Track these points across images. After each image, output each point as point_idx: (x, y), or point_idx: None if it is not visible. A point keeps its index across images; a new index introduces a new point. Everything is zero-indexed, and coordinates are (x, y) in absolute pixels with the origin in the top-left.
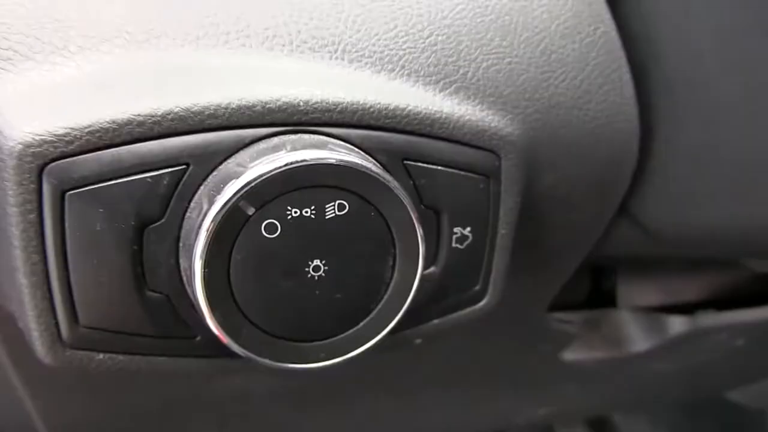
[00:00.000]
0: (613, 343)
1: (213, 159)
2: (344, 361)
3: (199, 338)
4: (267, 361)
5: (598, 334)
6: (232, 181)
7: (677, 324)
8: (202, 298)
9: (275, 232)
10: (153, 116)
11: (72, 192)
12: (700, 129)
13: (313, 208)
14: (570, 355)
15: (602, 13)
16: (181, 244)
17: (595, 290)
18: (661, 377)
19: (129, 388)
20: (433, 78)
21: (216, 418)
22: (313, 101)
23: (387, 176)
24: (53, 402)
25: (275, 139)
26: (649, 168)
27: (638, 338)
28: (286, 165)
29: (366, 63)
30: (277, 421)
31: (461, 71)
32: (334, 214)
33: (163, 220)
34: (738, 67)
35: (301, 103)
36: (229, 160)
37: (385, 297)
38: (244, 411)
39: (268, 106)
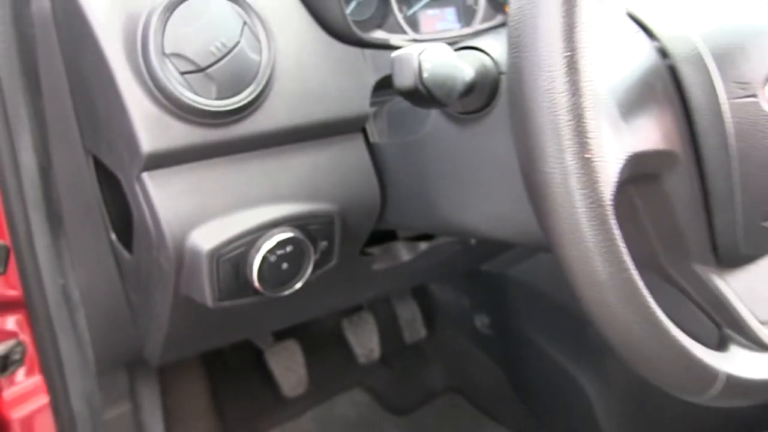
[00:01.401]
0: (395, 258)
1: None
2: None
3: None
4: None
5: (389, 254)
6: None
7: (423, 245)
8: None
9: None
10: None
11: None
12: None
13: None
14: (376, 266)
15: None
16: None
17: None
18: (425, 270)
19: None
20: None
21: None
22: None
23: None
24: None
25: None
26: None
27: (405, 254)
28: None
29: None
30: None
31: None
32: None
33: None
34: None
35: None
36: None
37: None
38: None
39: None
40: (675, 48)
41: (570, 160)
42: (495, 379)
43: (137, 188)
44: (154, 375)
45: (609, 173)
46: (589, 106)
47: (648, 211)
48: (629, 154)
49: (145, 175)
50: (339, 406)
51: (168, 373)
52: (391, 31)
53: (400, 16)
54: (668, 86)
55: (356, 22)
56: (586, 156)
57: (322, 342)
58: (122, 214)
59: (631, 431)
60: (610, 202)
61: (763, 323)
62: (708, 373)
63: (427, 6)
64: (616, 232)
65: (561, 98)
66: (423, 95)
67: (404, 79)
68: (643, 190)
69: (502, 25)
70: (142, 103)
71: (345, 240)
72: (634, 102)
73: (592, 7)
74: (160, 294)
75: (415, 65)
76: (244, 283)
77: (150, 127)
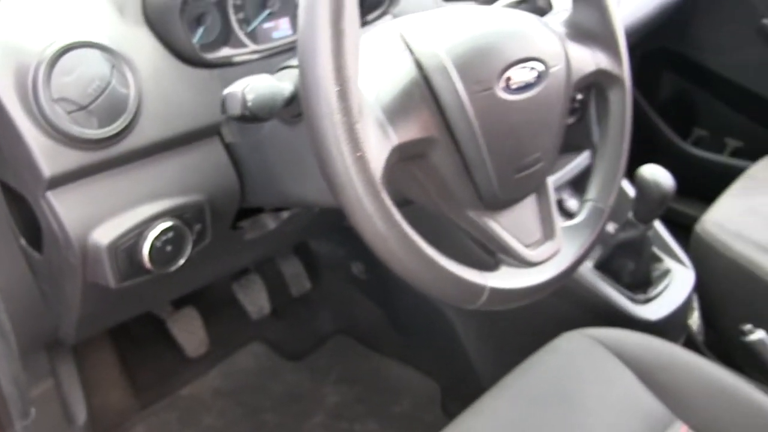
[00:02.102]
0: (264, 227)
1: None
2: None
3: None
4: None
5: (258, 225)
6: None
7: (284, 214)
8: None
9: None
10: None
11: None
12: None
13: None
14: (248, 236)
15: None
16: None
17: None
18: (293, 233)
19: None
20: None
21: None
22: None
23: None
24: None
25: None
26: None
27: (272, 223)
28: None
29: None
30: None
31: None
32: None
33: None
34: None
35: None
36: None
37: None
38: None
39: None
40: (426, 61)
41: (347, 158)
42: (375, 318)
43: (44, 204)
44: (70, 353)
45: (377, 163)
46: (357, 117)
47: (425, 178)
48: (394, 145)
49: (48, 194)
50: (240, 359)
51: (82, 350)
52: (236, 46)
53: (241, 34)
54: (424, 91)
55: (204, 45)
56: (358, 154)
57: (217, 305)
58: (29, 222)
59: (484, 339)
60: (380, 181)
61: (527, 246)
62: (476, 287)
63: (263, 21)
64: (387, 200)
65: (336, 114)
66: (249, 118)
67: (233, 110)
68: (419, 164)
69: None
70: (39, 138)
71: (215, 221)
72: (397, 107)
73: (356, 38)
74: (70, 284)
75: (240, 98)
76: (138, 265)
77: (48, 157)
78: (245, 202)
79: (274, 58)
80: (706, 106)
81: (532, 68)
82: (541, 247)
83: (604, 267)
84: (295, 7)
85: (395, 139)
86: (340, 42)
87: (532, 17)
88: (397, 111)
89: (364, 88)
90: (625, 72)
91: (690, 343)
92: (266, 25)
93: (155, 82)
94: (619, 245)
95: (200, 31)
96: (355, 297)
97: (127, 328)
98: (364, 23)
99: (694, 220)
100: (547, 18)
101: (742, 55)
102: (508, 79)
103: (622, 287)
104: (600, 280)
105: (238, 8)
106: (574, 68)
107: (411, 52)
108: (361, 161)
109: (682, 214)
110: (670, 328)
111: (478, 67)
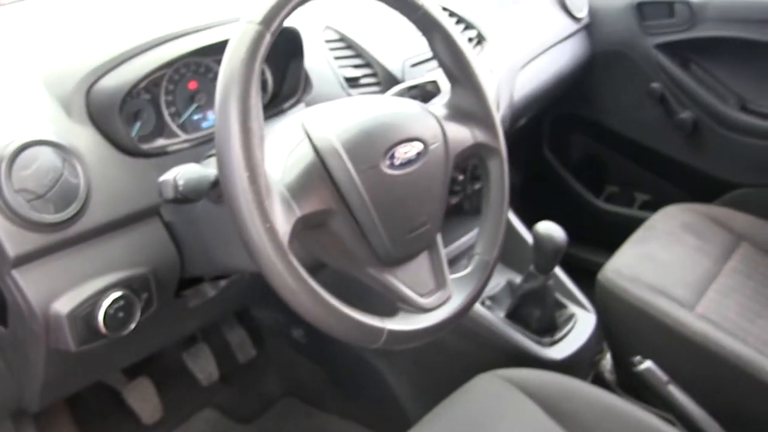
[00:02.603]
0: (204, 295)
1: None
2: None
3: None
4: None
5: (199, 293)
6: None
7: (222, 282)
8: None
9: None
10: None
11: None
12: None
13: None
14: (191, 304)
15: None
16: None
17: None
18: (233, 299)
19: None
20: None
21: None
22: None
23: None
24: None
25: None
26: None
27: (211, 291)
28: None
29: None
30: None
31: None
32: None
33: None
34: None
35: None
36: None
37: None
38: None
39: None
40: (321, 146)
41: (259, 229)
42: (317, 378)
43: (9, 281)
44: (32, 423)
45: (284, 231)
46: (265, 196)
47: (328, 242)
48: (297, 217)
49: (14, 272)
50: (193, 425)
51: (43, 420)
52: (169, 137)
53: (173, 125)
54: (321, 171)
55: (142, 137)
56: (267, 225)
57: (169, 374)
58: None
59: (411, 385)
60: (287, 246)
61: (421, 295)
62: (376, 330)
63: (192, 113)
64: (294, 261)
65: (248, 194)
66: (181, 200)
67: (167, 194)
68: (322, 231)
69: None
70: (3, 224)
71: (160, 290)
72: (299, 185)
73: (261, 132)
74: (34, 351)
75: (172, 184)
76: (94, 330)
77: (12, 239)
78: (186, 272)
79: (203, 146)
80: (615, 164)
81: (413, 148)
82: (434, 295)
83: (513, 316)
84: None
85: (298, 212)
86: (248, 138)
87: (413, 103)
88: (299, 189)
89: (272, 170)
90: (501, 144)
91: (599, 380)
92: (195, 117)
93: (101, 172)
94: (524, 295)
95: (137, 125)
96: (298, 360)
97: (85, 400)
98: (281, 111)
99: None
100: (433, 101)
101: (639, 115)
102: (392, 157)
103: (531, 332)
104: (510, 327)
105: (169, 103)
106: (453, 144)
107: (309, 138)
108: (271, 231)
109: (596, 264)
110: (575, 366)
111: (365, 149)
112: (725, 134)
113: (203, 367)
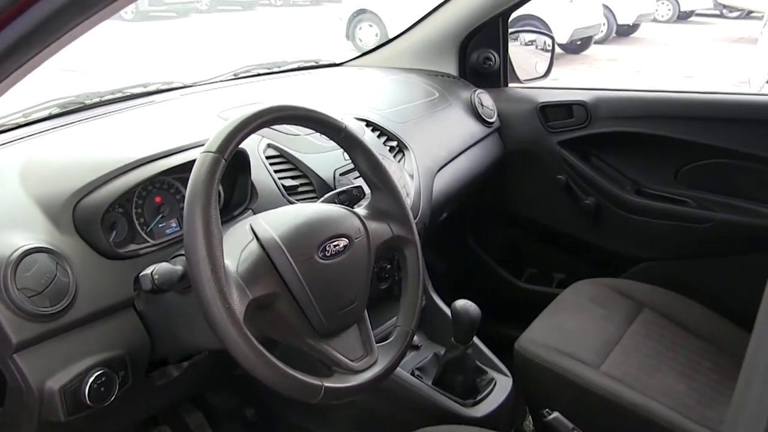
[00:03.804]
0: (169, 375)
1: None
2: None
3: None
4: None
5: (165, 373)
6: None
7: (185, 364)
8: None
9: None
10: None
11: None
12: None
13: None
14: (158, 383)
15: None
16: None
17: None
18: (195, 380)
19: None
20: None
21: None
22: None
23: None
24: None
25: None
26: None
27: (175, 371)
28: None
29: None
30: None
31: None
32: None
33: None
34: None
35: None
36: None
37: None
38: None
39: None
40: (266, 243)
41: (221, 309)
42: None
43: (11, 365)
44: None
45: (239, 310)
46: (224, 284)
47: (275, 319)
48: (250, 299)
49: (15, 356)
50: None
51: None
52: (140, 242)
53: (143, 233)
54: (267, 263)
55: (117, 243)
56: (227, 306)
57: None
58: None
59: None
60: (242, 322)
61: (352, 360)
62: (315, 387)
63: (158, 222)
64: (248, 334)
65: (211, 283)
66: (156, 291)
67: (146, 286)
68: (270, 310)
69: None
70: (8, 315)
71: (134, 369)
72: (250, 274)
73: (220, 235)
74: (27, 424)
75: (150, 278)
76: (81, 403)
77: (15, 328)
78: (155, 354)
79: (168, 248)
80: (532, 248)
81: (341, 242)
82: (363, 359)
83: (439, 382)
84: (180, 210)
85: (250, 295)
86: (210, 239)
87: (339, 208)
88: (250, 277)
89: (229, 263)
90: (415, 236)
91: None
92: (161, 225)
93: (85, 273)
94: (447, 363)
95: (113, 233)
96: None
97: None
98: (232, 218)
99: None
100: (360, 203)
101: (548, 203)
102: (324, 250)
103: (455, 396)
104: (437, 392)
105: (139, 215)
106: (375, 237)
107: (257, 238)
108: (229, 310)
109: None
110: (495, 423)
111: (301, 244)
112: (624, 215)
113: None
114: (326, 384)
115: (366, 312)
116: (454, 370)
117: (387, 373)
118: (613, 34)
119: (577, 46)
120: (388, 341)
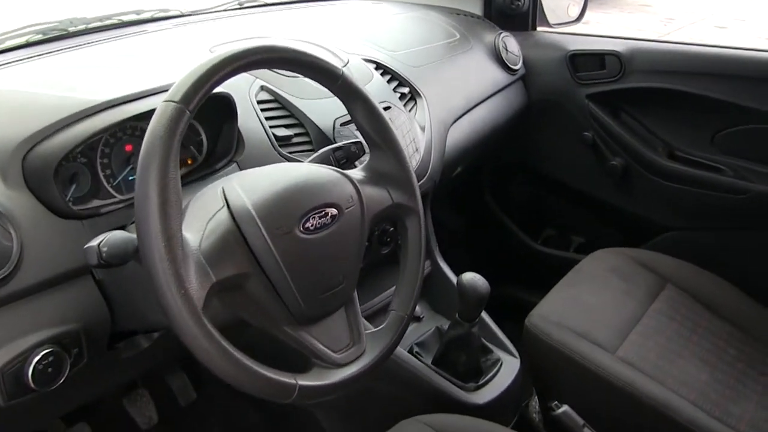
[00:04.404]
0: (138, 346)
1: None
2: None
3: None
4: None
5: (132, 345)
6: None
7: (156, 334)
8: None
9: None
10: None
11: None
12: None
13: None
14: (125, 355)
15: None
16: None
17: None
18: (168, 350)
19: None
20: None
21: None
22: None
23: None
24: None
25: None
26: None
27: (145, 342)
28: None
29: None
30: None
31: None
32: None
33: None
34: None
35: None
36: None
37: None
38: None
39: None
40: (238, 214)
41: (175, 294)
42: (256, 422)
43: None
44: None
45: (198, 296)
46: (181, 264)
47: (246, 302)
48: (213, 282)
49: None
50: None
51: None
52: (104, 197)
53: (108, 187)
54: (237, 237)
55: (77, 198)
56: (182, 291)
57: (107, 419)
58: None
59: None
60: (200, 311)
61: (335, 351)
62: (287, 386)
63: (127, 175)
64: (208, 324)
65: (164, 262)
66: (105, 266)
67: (92, 261)
68: (239, 293)
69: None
70: None
71: (91, 344)
72: (215, 252)
73: (179, 204)
74: None
75: (96, 251)
76: (23, 386)
77: None
78: (117, 326)
79: None
80: (552, 208)
81: (328, 213)
82: (349, 350)
83: (440, 361)
84: None
85: (214, 277)
86: (165, 209)
87: (330, 171)
88: (215, 255)
89: (191, 236)
90: (418, 204)
91: (524, 423)
92: (130, 178)
93: (34, 235)
94: (450, 341)
95: (73, 188)
96: (239, 405)
97: None
98: (214, 171)
99: None
100: (360, 161)
101: (573, 161)
102: (307, 222)
103: (456, 378)
104: (435, 373)
105: (105, 166)
106: (370, 205)
107: (228, 205)
108: (186, 296)
109: (532, 304)
110: (498, 409)
111: (279, 216)
112: (654, 180)
113: (142, 411)
114: (301, 382)
115: (356, 293)
116: (456, 349)
117: (375, 366)
118: None
119: None
120: (379, 328)
